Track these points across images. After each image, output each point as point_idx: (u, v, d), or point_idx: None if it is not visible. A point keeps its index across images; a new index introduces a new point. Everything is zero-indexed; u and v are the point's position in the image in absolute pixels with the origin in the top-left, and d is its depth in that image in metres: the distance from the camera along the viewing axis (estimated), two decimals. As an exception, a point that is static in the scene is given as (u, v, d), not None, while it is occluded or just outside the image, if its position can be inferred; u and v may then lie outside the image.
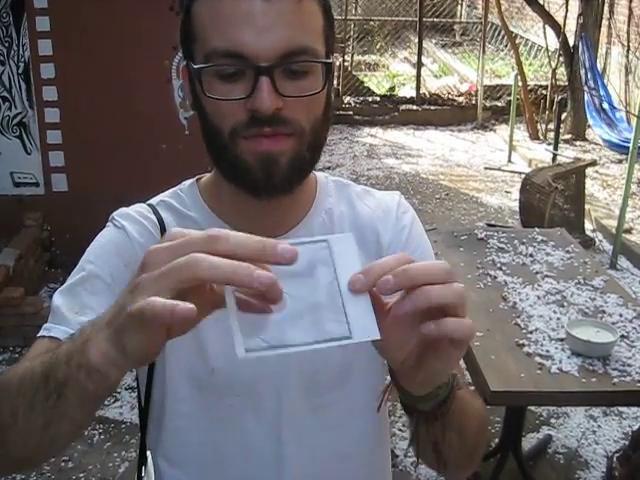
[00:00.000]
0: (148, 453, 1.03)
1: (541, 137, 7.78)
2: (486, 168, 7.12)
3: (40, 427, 0.69)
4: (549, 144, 7.10)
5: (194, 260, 0.56)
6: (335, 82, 8.62)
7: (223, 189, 0.90)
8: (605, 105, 7.00)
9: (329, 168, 6.76)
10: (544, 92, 8.21)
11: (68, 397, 0.66)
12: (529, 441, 3.06)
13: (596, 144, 7.58)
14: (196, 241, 0.58)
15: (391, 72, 10.69)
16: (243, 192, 0.85)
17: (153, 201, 0.98)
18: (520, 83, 7.59)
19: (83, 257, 0.92)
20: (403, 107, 8.75)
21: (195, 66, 0.82)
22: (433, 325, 0.61)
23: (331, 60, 0.84)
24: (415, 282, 0.61)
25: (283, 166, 0.82)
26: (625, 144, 4.82)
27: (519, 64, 7.98)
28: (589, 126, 7.71)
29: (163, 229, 0.93)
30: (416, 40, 9.48)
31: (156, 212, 0.94)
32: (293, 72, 0.80)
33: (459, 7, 13.53)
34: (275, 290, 0.56)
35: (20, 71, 4.19)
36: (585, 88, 7.02)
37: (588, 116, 7.36)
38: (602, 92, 7.11)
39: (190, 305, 0.55)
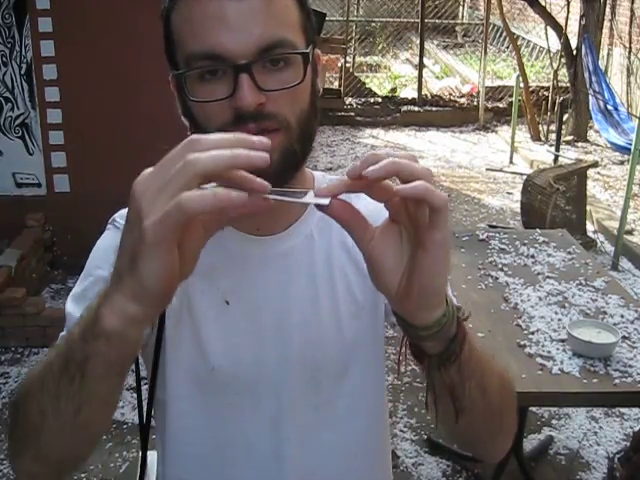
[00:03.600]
0: (149, 453, 1.03)
1: (543, 138, 7.77)
2: (488, 169, 7.12)
3: (71, 415, 0.69)
4: (551, 145, 7.09)
5: (191, 160, 0.58)
6: (337, 83, 8.53)
7: None
8: (610, 107, 6.96)
9: (330, 169, 6.75)
10: (546, 93, 8.21)
11: (92, 373, 0.66)
12: (530, 442, 3.06)
13: (598, 145, 7.58)
14: (177, 152, 0.60)
15: (393, 73, 10.70)
16: None
17: None
18: (522, 84, 7.59)
19: (88, 263, 0.93)
20: (405, 108, 8.75)
21: (176, 72, 0.83)
22: (409, 188, 0.63)
23: (308, 50, 0.83)
24: (403, 175, 0.64)
25: (274, 162, 0.82)
26: (631, 146, 4.82)
27: (521, 65, 7.98)
28: (591, 127, 7.71)
29: None
30: (418, 41, 9.49)
31: None
32: (273, 66, 0.80)
33: (461, 8, 13.53)
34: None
35: (22, 72, 4.20)
36: (590, 91, 6.99)
37: (593, 119, 7.33)
38: (607, 95, 7.06)
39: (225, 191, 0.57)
